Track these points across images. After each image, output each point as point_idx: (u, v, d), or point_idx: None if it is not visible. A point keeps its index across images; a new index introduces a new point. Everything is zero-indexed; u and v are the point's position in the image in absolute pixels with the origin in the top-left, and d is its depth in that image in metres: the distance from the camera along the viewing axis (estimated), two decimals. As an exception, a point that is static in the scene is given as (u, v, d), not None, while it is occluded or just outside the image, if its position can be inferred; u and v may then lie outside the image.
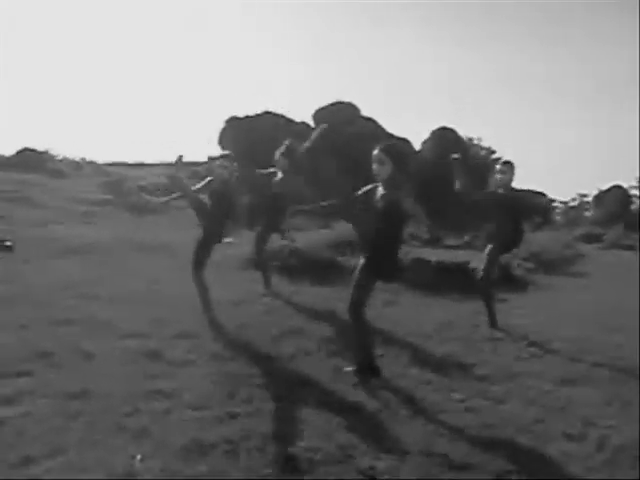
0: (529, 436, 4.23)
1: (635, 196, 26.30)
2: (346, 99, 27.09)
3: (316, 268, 10.18)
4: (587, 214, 26.74)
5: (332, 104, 26.94)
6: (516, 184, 7.17)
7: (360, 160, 27.01)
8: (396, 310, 7.95)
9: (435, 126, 28.63)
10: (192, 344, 5.89)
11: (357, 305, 5.11)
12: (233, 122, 29.55)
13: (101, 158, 34.07)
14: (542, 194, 26.25)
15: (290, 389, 4.85)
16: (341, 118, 26.27)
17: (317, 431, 4.07)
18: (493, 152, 36.72)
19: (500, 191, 7.15)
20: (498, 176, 7.18)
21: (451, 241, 16.16)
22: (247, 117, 29.38)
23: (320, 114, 26.98)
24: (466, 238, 16.21)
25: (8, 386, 4.53)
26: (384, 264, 5.07)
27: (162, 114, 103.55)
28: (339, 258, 10.70)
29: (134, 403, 4.37)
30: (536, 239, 15.11)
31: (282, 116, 28.98)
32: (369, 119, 26.79)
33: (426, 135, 28.75)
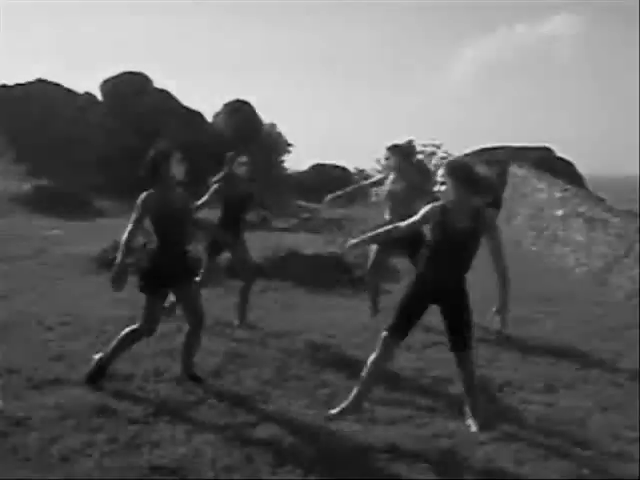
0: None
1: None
2: (138, 69, 25.18)
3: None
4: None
5: (121, 74, 24.87)
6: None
7: (154, 136, 25.53)
8: (301, 314, 7.40)
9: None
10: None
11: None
12: (0, 91, 26.14)
13: None
14: (342, 168, 26.95)
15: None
16: (131, 89, 24.41)
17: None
18: (274, 125, 36.98)
19: None
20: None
21: (279, 223, 15.82)
22: (18, 85, 26.15)
23: (108, 85, 24.78)
24: (293, 222, 15.98)
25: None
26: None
27: None
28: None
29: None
30: (366, 216, 15.04)
31: (59, 85, 26.22)
32: (162, 90, 25.23)
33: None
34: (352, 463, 3.79)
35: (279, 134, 35.23)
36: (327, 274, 9.13)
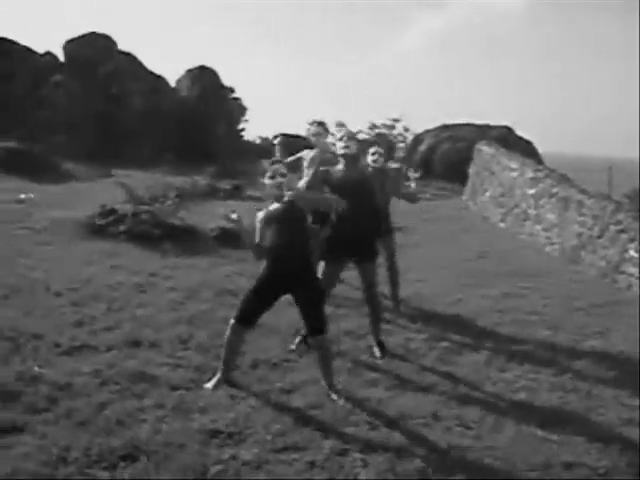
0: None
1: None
2: (102, 30, 24.55)
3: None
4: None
5: (84, 35, 24.22)
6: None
7: (120, 98, 25.00)
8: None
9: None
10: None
11: None
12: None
13: None
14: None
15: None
16: (95, 52, 23.84)
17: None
18: (232, 90, 36.72)
19: None
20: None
21: (252, 192, 15.87)
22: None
23: (71, 46, 24.13)
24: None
25: None
26: None
27: None
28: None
29: None
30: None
31: (17, 43, 25.36)
32: (127, 54, 24.70)
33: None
34: (400, 429, 4.03)
35: (236, 100, 34.92)
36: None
